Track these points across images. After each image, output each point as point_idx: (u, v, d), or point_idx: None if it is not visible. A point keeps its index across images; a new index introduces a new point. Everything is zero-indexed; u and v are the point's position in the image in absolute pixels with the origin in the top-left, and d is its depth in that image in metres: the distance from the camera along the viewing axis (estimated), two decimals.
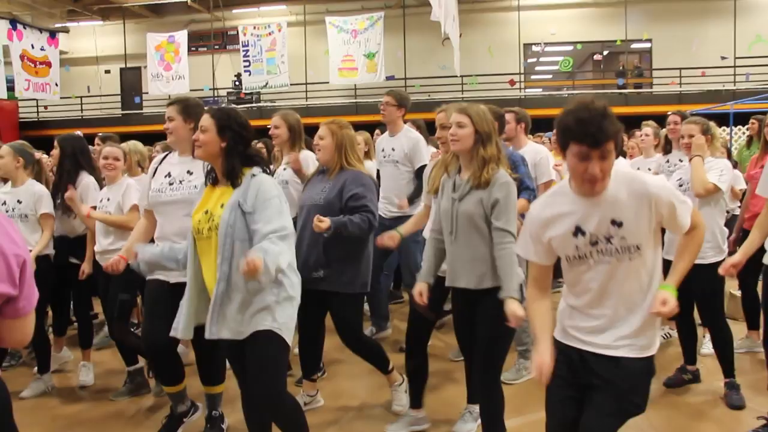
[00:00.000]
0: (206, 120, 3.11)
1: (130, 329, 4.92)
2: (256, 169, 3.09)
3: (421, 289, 3.57)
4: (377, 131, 7.73)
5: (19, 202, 4.77)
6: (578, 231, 2.40)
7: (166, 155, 4.07)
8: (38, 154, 5.26)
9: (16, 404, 4.56)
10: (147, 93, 22.10)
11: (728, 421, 4.18)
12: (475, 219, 3.32)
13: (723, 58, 19.42)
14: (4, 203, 4.78)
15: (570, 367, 2.53)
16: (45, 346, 4.95)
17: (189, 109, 3.91)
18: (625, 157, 6.54)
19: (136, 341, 4.59)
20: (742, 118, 14.16)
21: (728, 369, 4.44)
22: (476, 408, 3.95)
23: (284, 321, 3.06)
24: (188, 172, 3.85)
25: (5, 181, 4.97)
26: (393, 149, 5.64)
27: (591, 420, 2.46)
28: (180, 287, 3.45)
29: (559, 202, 2.47)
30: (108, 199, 4.70)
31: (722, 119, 14.03)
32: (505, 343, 3.47)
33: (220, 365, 4.09)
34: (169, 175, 3.90)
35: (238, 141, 3.09)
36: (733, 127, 13.79)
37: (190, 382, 4.19)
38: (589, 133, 2.21)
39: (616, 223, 2.35)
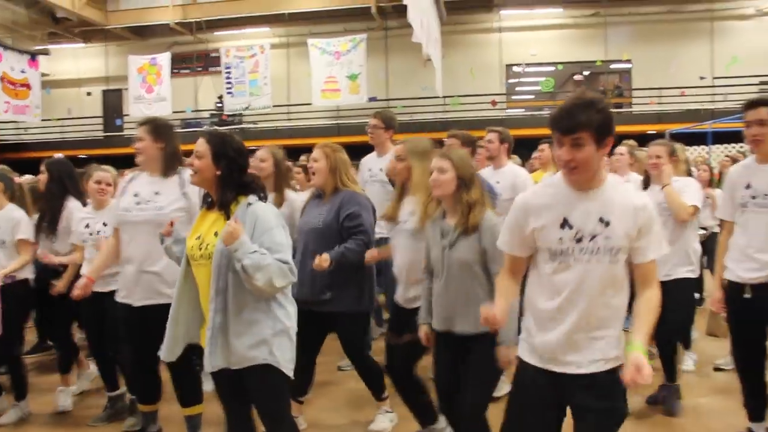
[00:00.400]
0: (202, 145, 2.99)
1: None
2: (252, 198, 2.99)
3: (426, 332, 3.56)
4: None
5: None
6: (565, 223, 2.40)
7: (136, 175, 4.04)
8: (19, 179, 5.20)
9: None
10: (128, 115, 22.07)
11: None
12: (470, 264, 3.28)
13: (701, 78, 19.71)
14: None
15: (547, 390, 2.52)
16: (21, 372, 4.85)
17: (159, 129, 3.91)
18: None
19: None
20: (720, 137, 14.37)
21: (670, 374, 4.58)
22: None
23: (281, 354, 2.98)
24: (156, 192, 3.84)
25: None
26: (381, 169, 5.58)
27: None
28: (144, 309, 3.78)
29: (551, 193, 2.49)
30: (105, 224, 4.53)
31: (701, 138, 14.23)
32: (494, 383, 3.48)
33: (198, 385, 4.06)
34: (137, 194, 3.89)
35: (234, 168, 2.99)
36: (711, 146, 13.96)
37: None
38: (560, 120, 2.33)
39: (604, 222, 2.37)
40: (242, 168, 3.04)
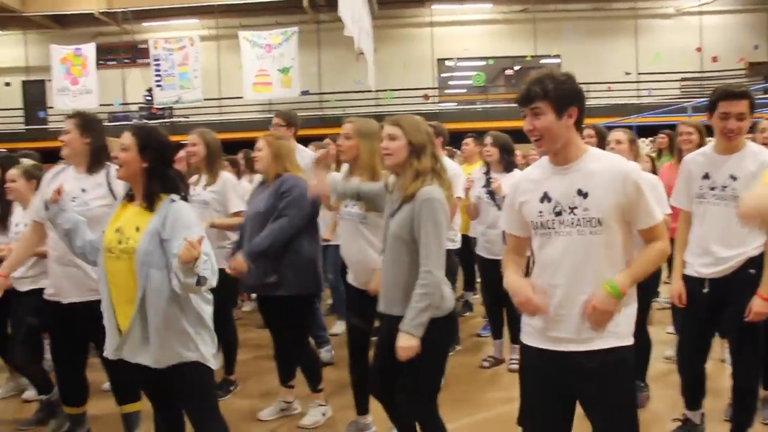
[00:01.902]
0: (127, 138, 2.95)
1: (36, 356, 4.52)
2: (175, 195, 2.96)
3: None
4: None
5: None
6: (545, 197, 2.46)
7: (62, 169, 3.94)
8: None
9: None
10: (52, 107, 21.33)
11: (647, 424, 4.05)
12: (400, 239, 3.06)
13: (627, 73, 20.31)
14: None
15: (550, 372, 2.49)
16: None
17: (87, 123, 3.83)
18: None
19: (35, 370, 4.41)
20: (644, 130, 14.84)
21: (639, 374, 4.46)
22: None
23: (206, 348, 2.95)
24: (82, 189, 3.77)
25: None
26: None
27: None
28: (73, 307, 3.73)
29: (537, 171, 2.58)
30: (26, 225, 4.24)
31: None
32: (438, 370, 3.20)
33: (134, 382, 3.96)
34: None
35: (160, 161, 2.96)
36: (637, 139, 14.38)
37: None
38: (519, 94, 2.45)
39: (582, 194, 2.40)
40: (168, 161, 3.01)
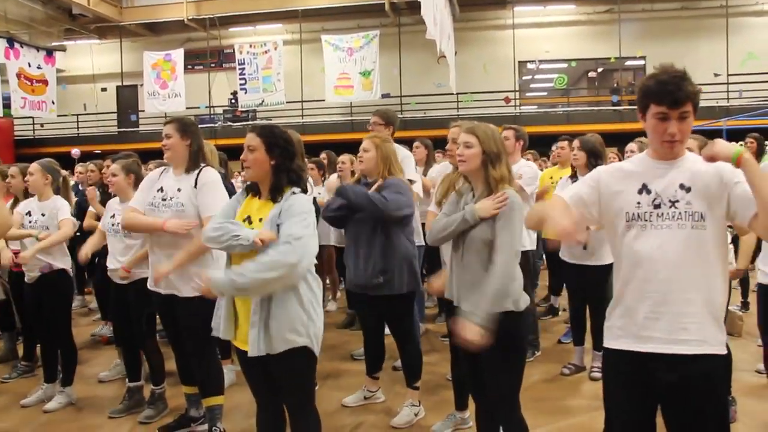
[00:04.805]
0: (253, 140, 3.05)
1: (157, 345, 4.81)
2: (296, 188, 3.06)
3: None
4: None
5: (42, 215, 4.93)
6: (644, 188, 2.40)
7: (163, 170, 4.18)
8: (64, 172, 5.47)
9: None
10: (143, 111, 22.24)
11: None
12: (481, 241, 3.19)
13: (716, 75, 19.60)
14: (29, 213, 4.95)
15: (635, 378, 2.42)
16: (73, 359, 5.01)
17: (186, 127, 4.06)
18: None
19: (158, 359, 4.71)
20: (735, 135, 14.30)
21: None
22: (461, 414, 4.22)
23: (315, 333, 3.04)
24: (178, 189, 3.99)
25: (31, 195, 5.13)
26: None
27: None
28: (171, 299, 3.97)
29: (630, 165, 2.50)
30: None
31: (715, 136, 14.14)
32: (516, 367, 3.27)
33: (220, 376, 4.20)
34: (161, 190, 4.03)
35: (286, 157, 3.07)
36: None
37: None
38: (668, 93, 2.27)
39: (685, 188, 2.34)
40: (293, 155, 3.12)
